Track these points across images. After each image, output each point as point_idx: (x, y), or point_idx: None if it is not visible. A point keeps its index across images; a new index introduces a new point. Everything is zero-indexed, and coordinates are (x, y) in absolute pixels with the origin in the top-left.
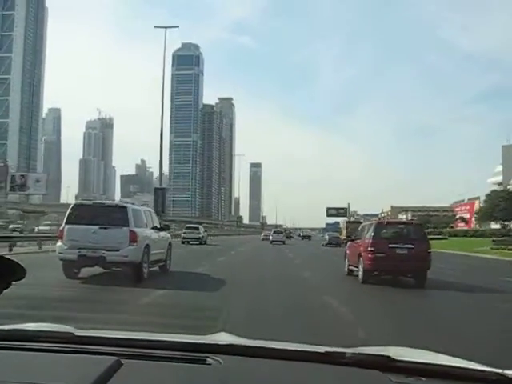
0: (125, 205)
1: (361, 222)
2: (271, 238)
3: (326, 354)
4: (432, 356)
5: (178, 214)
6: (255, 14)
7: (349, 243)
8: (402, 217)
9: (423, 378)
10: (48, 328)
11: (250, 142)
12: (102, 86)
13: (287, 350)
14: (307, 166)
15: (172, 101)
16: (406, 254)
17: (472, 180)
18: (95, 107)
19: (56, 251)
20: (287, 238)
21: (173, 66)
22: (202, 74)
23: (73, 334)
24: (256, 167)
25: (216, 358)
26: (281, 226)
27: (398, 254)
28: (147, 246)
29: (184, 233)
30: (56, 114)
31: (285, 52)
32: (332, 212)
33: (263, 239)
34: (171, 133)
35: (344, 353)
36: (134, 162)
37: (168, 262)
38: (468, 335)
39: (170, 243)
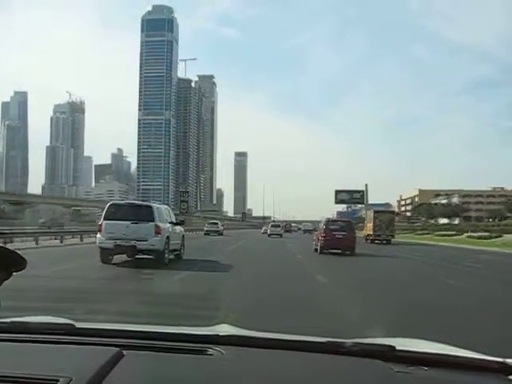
0: (150, 204)
1: (393, 212)
2: (268, 231)
3: (328, 343)
4: (435, 346)
5: None
6: (240, 3)
7: (315, 233)
8: (442, 201)
9: (425, 368)
10: (49, 320)
11: (234, 131)
12: (77, 73)
13: (289, 340)
14: (297, 157)
15: (141, 72)
16: (342, 238)
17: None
18: (67, 92)
19: (96, 242)
20: (286, 231)
21: (142, 31)
22: (177, 41)
23: (73, 325)
24: (241, 156)
25: (217, 348)
26: (269, 217)
27: (338, 237)
28: (168, 237)
29: (206, 227)
30: (22, 97)
31: (271, 42)
32: (343, 197)
33: (263, 233)
34: (139, 109)
35: (346, 343)
36: (109, 151)
37: (182, 251)
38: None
39: (183, 236)
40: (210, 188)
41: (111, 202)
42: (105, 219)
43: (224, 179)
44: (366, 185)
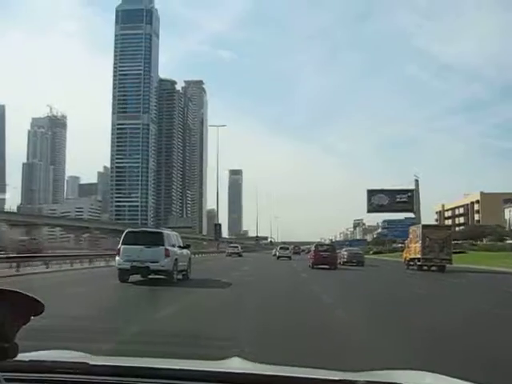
0: (161, 231)
1: (449, 228)
2: (277, 253)
3: (340, 382)
4: (444, 381)
5: (123, 222)
6: (233, 26)
7: (309, 253)
8: None
9: None
10: (65, 357)
11: (228, 150)
12: (63, 91)
13: (301, 377)
14: (294, 179)
15: (115, 69)
16: (327, 257)
17: None
18: (48, 106)
19: (115, 263)
20: (295, 253)
21: (117, 23)
22: (157, 36)
23: (87, 363)
24: (236, 174)
25: None
26: (265, 238)
27: (323, 256)
28: (176, 259)
29: (228, 249)
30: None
31: (263, 63)
32: (380, 201)
33: (274, 255)
34: (113, 113)
35: (357, 381)
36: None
37: (188, 271)
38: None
39: (189, 258)
40: (200, 206)
41: (128, 230)
42: (123, 244)
43: (216, 196)
44: (417, 180)
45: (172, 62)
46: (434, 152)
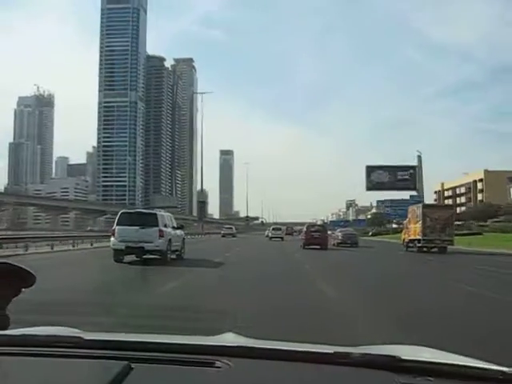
0: (155, 212)
1: (451, 207)
2: (270, 234)
3: (334, 354)
4: (440, 355)
5: (110, 203)
6: (226, 7)
7: (301, 234)
8: None
9: (431, 378)
10: (57, 332)
11: (219, 132)
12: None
13: (295, 351)
14: (285, 161)
15: (101, 45)
16: (318, 237)
17: None
18: (35, 85)
19: (110, 244)
20: (288, 234)
21: None
22: (145, 10)
23: (82, 338)
24: (227, 155)
25: (225, 360)
26: (256, 218)
27: (315, 237)
28: (170, 239)
29: (223, 230)
30: None
31: (257, 46)
32: (380, 178)
33: (266, 236)
34: (100, 90)
35: (352, 353)
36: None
37: (182, 251)
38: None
39: (183, 238)
40: (190, 186)
41: (123, 211)
42: (117, 225)
43: (208, 179)
44: (420, 156)
45: (162, 43)
46: (430, 134)
